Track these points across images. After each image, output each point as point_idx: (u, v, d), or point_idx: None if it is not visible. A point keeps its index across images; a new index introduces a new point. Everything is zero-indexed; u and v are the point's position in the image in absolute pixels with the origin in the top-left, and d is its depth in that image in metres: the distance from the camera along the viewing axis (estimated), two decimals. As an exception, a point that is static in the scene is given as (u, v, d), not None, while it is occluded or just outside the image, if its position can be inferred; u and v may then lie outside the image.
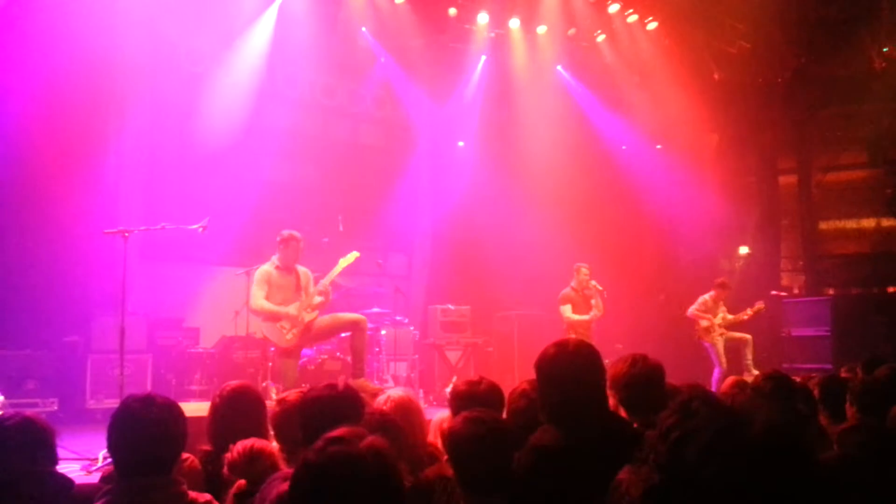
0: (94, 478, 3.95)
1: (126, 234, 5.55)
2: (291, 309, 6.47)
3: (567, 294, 8.94)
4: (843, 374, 5.28)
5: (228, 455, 2.79)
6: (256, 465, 2.71)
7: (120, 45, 8.18)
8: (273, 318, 6.46)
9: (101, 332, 7.61)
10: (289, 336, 6.46)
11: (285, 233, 6.62)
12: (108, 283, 7.37)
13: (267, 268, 6.58)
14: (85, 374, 7.50)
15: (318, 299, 6.62)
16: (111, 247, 6.09)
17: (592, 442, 2.49)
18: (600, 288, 8.80)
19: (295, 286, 6.61)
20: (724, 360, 9.12)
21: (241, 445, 2.79)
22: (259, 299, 6.44)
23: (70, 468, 4.57)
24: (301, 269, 6.71)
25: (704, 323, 9.24)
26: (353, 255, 6.83)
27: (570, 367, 2.65)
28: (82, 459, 4.84)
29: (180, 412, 2.47)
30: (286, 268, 6.60)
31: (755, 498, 1.46)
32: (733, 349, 9.22)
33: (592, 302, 8.92)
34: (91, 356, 7.57)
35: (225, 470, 2.79)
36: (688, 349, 9.65)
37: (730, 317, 9.28)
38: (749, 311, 9.30)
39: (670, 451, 1.56)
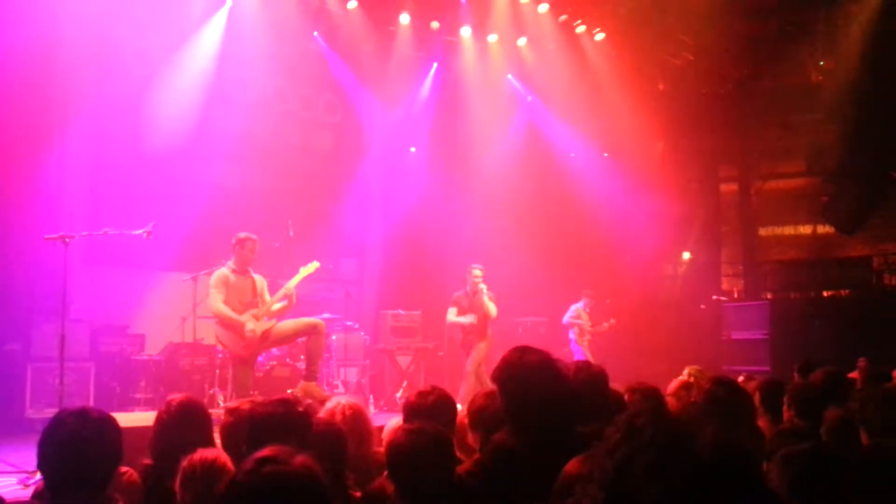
0: (31, 492, 3.85)
1: (67, 240, 5.44)
2: (247, 320, 6.36)
3: (456, 297, 8.61)
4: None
5: (185, 465, 2.68)
6: (213, 481, 2.59)
7: (64, 44, 7.95)
8: (228, 324, 6.37)
9: (41, 340, 7.41)
10: (247, 342, 6.37)
11: (241, 234, 6.55)
12: (49, 288, 7.17)
13: (224, 271, 6.50)
14: (24, 383, 7.28)
15: (278, 305, 6.54)
16: (52, 252, 5.94)
17: (551, 446, 2.51)
18: (487, 291, 8.35)
19: (252, 291, 6.54)
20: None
21: (200, 457, 2.70)
22: (218, 302, 6.35)
23: (7, 481, 4.46)
24: (256, 276, 6.65)
25: (584, 325, 10.18)
26: (313, 265, 6.78)
27: (531, 371, 2.67)
28: (20, 472, 4.72)
29: (116, 426, 2.42)
30: (242, 271, 6.53)
31: None
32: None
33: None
34: (31, 364, 7.36)
35: (177, 483, 2.68)
36: (631, 351, 9.90)
37: (591, 328, 10.26)
38: (605, 325, 10.29)
39: (615, 469, 1.58)
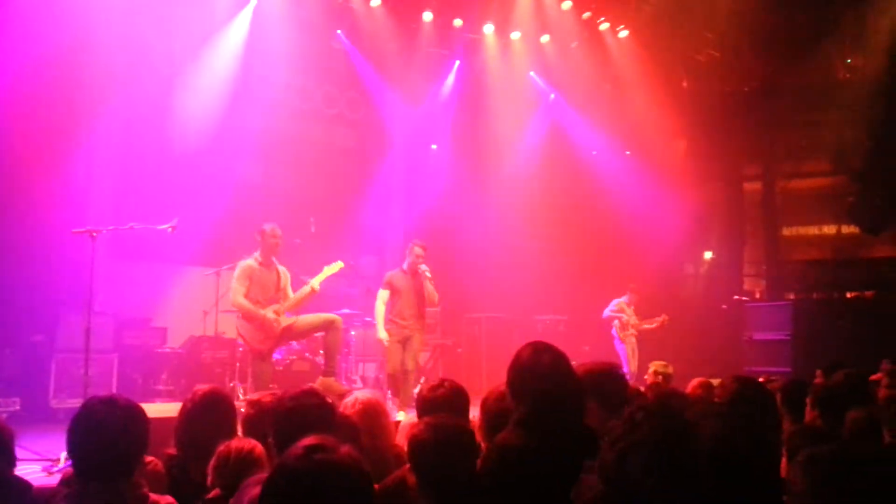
0: (55, 479, 3.93)
1: (94, 234, 5.53)
2: (269, 313, 6.44)
3: (390, 277, 7.48)
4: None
5: (221, 451, 2.72)
6: (244, 472, 2.64)
7: (93, 44, 8.08)
8: (250, 318, 6.43)
9: (66, 332, 7.54)
10: (275, 327, 6.42)
11: (266, 226, 6.59)
12: (75, 282, 7.29)
13: (250, 262, 6.52)
14: (49, 374, 7.41)
15: (303, 291, 6.58)
16: (79, 246, 6.04)
17: (557, 445, 2.51)
18: (429, 274, 7.36)
19: (275, 284, 6.59)
20: (634, 362, 9.55)
21: (237, 446, 2.72)
22: (239, 296, 6.39)
23: (31, 469, 4.56)
24: (281, 268, 6.69)
25: (624, 318, 9.76)
26: (338, 265, 6.79)
27: (543, 372, 2.64)
28: (43, 460, 4.81)
29: (143, 414, 2.45)
30: (267, 263, 6.57)
31: None
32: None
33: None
34: (56, 355, 7.48)
35: (210, 466, 2.73)
36: (650, 352, 9.83)
37: (637, 322, 9.84)
38: (656, 321, 9.86)
39: (615, 461, 1.60)
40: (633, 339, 9.78)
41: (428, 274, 7.31)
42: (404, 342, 7.29)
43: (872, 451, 2.72)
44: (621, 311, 9.89)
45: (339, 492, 1.55)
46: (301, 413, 2.76)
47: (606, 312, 9.92)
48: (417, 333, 7.40)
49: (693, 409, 3.75)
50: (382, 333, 7.26)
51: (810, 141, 12.09)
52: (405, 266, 7.49)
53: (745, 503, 1.59)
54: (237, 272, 6.50)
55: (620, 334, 9.79)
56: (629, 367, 9.41)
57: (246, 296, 6.41)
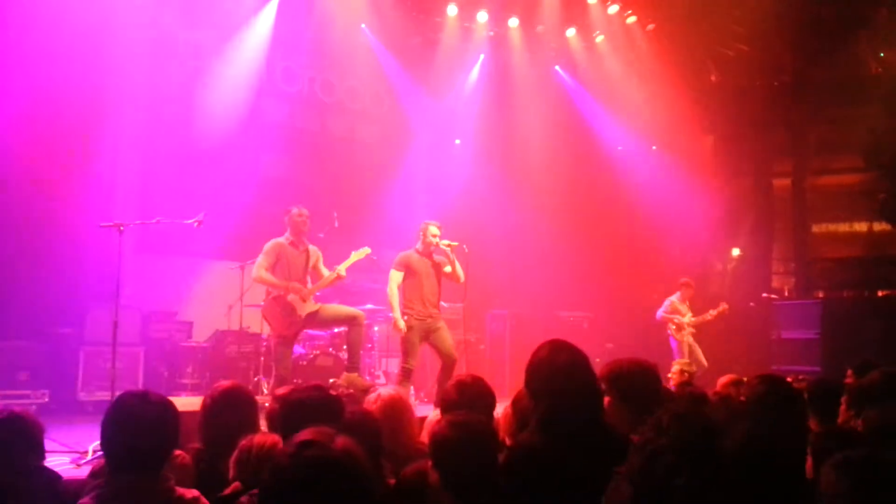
0: (84, 471, 3.97)
1: (121, 228, 5.57)
2: (292, 293, 6.45)
3: (403, 258, 6.78)
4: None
5: (244, 445, 2.73)
6: (267, 468, 2.65)
7: (118, 38, 8.17)
8: (275, 298, 6.45)
9: (94, 325, 7.63)
10: (300, 311, 6.41)
11: (294, 209, 6.67)
12: (102, 275, 7.37)
13: (280, 240, 6.61)
14: (77, 366, 7.52)
15: (330, 276, 6.57)
16: (106, 240, 6.10)
17: (575, 446, 2.47)
18: (454, 243, 6.73)
19: (304, 265, 6.63)
20: (701, 358, 9.29)
21: (259, 441, 2.73)
22: (262, 270, 6.44)
23: (59, 461, 4.60)
24: (311, 247, 6.75)
25: (677, 320, 9.46)
26: (364, 251, 6.80)
27: (560, 371, 2.59)
28: (72, 452, 4.85)
29: (174, 410, 2.48)
30: (297, 243, 6.63)
31: None
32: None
33: (447, 269, 6.86)
34: (84, 348, 7.58)
35: (232, 459, 2.75)
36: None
37: (694, 318, 9.52)
38: (713, 312, 9.54)
39: (643, 465, 1.59)
40: (691, 338, 9.43)
41: (454, 243, 6.69)
42: (427, 335, 6.73)
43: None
44: (675, 311, 9.53)
45: (332, 486, 1.53)
46: (307, 408, 2.77)
47: (660, 313, 9.56)
48: (442, 321, 6.83)
49: (720, 409, 3.71)
50: (402, 321, 6.62)
51: (841, 136, 11.86)
52: (419, 247, 6.85)
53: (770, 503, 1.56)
54: (265, 247, 6.56)
55: (677, 336, 9.43)
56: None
57: (272, 272, 6.43)
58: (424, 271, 6.78)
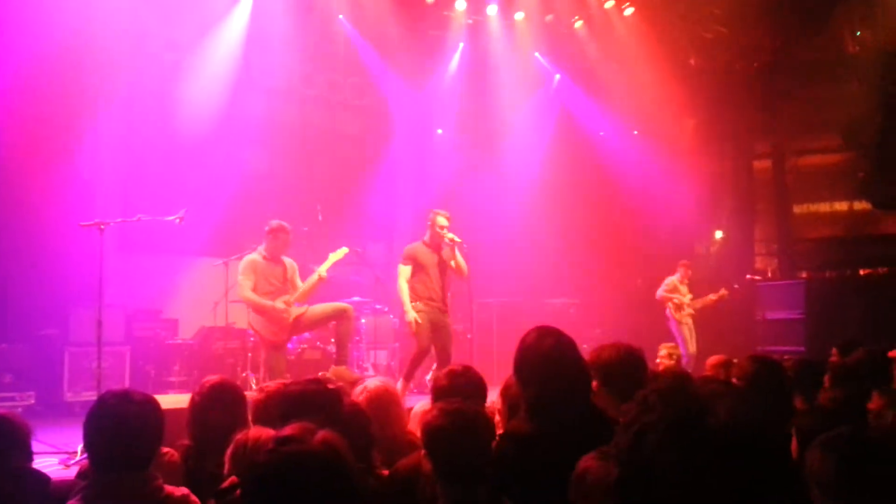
0: (72, 472, 3.94)
1: (102, 227, 5.51)
2: (279, 303, 6.43)
3: (410, 250, 6.74)
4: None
5: (239, 439, 2.70)
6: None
7: (94, 33, 8.07)
8: (260, 311, 6.43)
9: (78, 325, 7.56)
10: (286, 316, 6.40)
11: (274, 223, 6.57)
12: (85, 275, 7.30)
13: (254, 257, 6.53)
14: (62, 367, 7.45)
15: (311, 280, 6.54)
16: (88, 239, 6.04)
17: (566, 431, 2.49)
18: (458, 240, 6.64)
19: (282, 277, 6.59)
20: (692, 343, 9.36)
21: (254, 436, 2.69)
22: (246, 290, 6.40)
23: (48, 462, 4.57)
24: (287, 260, 6.68)
25: (677, 299, 9.49)
26: (342, 251, 6.76)
27: (547, 356, 2.62)
28: (60, 453, 4.83)
29: (157, 408, 2.46)
30: (273, 258, 6.57)
31: (711, 490, 1.50)
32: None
33: (452, 264, 6.80)
34: (68, 349, 7.52)
35: (227, 460, 2.71)
36: (663, 333, 9.77)
37: (694, 300, 9.58)
38: (713, 296, 9.61)
39: (629, 444, 1.59)
40: (690, 320, 9.45)
41: (457, 239, 6.58)
42: (435, 326, 6.70)
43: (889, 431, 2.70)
44: (674, 290, 9.53)
45: (310, 481, 1.53)
46: (305, 399, 2.76)
47: (660, 293, 9.53)
48: (448, 318, 6.82)
49: (706, 388, 3.74)
50: (412, 314, 6.57)
51: (820, 116, 11.93)
52: (427, 238, 6.77)
53: (758, 481, 1.56)
54: (242, 266, 6.51)
55: (676, 315, 9.43)
56: (687, 348, 9.13)
57: (253, 289, 6.41)
58: (431, 264, 6.73)
